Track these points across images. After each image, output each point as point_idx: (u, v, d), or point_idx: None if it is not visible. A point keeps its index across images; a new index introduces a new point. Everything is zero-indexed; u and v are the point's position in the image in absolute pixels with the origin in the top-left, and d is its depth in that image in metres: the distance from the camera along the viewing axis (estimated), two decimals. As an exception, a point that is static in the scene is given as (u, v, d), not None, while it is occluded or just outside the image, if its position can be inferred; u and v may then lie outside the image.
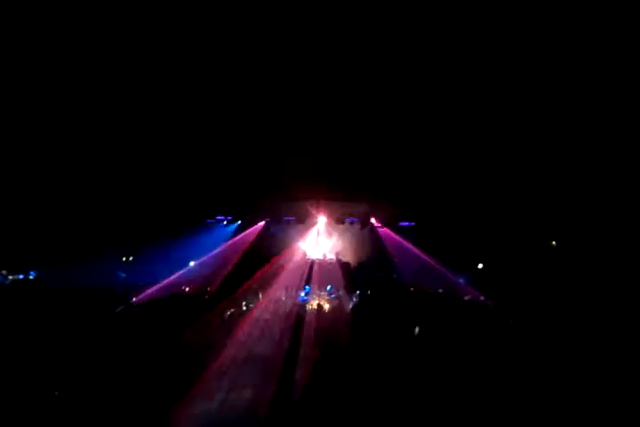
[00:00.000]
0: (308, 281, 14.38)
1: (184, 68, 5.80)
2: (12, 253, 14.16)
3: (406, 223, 16.88)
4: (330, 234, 17.55)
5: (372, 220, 16.94)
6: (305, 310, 11.55)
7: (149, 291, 11.95)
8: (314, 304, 12.09)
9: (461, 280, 14.06)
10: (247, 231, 17.03)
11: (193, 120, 8.04)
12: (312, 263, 17.22)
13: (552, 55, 5.25)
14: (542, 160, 9.48)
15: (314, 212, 16.92)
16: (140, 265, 15.37)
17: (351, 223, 17.36)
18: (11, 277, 14.77)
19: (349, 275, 15.03)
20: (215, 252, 15.90)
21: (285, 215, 17.38)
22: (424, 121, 7.74)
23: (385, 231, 16.82)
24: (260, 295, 12.97)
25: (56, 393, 5.14)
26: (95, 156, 10.12)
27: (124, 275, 15.10)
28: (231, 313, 10.28)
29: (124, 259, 15.89)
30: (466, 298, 12.06)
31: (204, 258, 15.68)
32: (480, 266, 15.62)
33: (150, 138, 9.11)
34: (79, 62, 5.62)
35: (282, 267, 16.45)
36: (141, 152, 9.99)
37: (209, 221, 17.16)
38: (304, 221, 17.14)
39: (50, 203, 13.10)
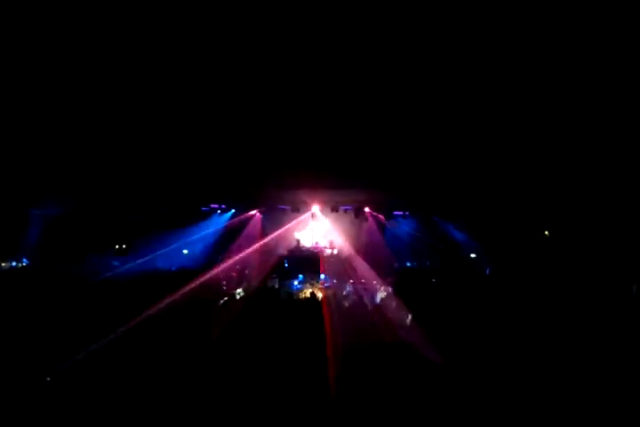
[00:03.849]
0: (301, 270, 14.46)
1: (179, 61, 5.72)
2: (5, 240, 14.12)
3: (400, 212, 16.95)
4: (323, 222, 17.61)
5: (366, 208, 16.97)
6: (298, 299, 11.63)
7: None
8: (307, 293, 12.17)
9: None
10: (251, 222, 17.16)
11: (188, 110, 7.94)
12: (305, 252, 17.34)
13: (552, 54, 5.22)
14: (538, 152, 9.49)
15: (308, 200, 16.92)
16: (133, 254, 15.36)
17: (345, 211, 17.41)
18: (4, 265, 14.76)
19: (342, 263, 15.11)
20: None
21: (279, 204, 17.38)
22: (420, 110, 7.69)
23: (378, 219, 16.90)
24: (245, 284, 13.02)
25: (48, 378, 5.17)
26: (90, 143, 10.03)
27: (117, 263, 15.09)
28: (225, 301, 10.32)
29: (117, 247, 15.88)
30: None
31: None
32: (473, 256, 15.73)
33: (144, 126, 9.01)
34: (77, 57, 5.54)
35: (276, 255, 16.56)
36: (135, 139, 9.90)
37: (203, 209, 17.16)
38: (298, 209, 17.15)
39: (42, 188, 13.02)
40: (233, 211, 17.42)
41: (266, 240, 16.83)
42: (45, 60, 5.74)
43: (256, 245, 16.30)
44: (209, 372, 5.32)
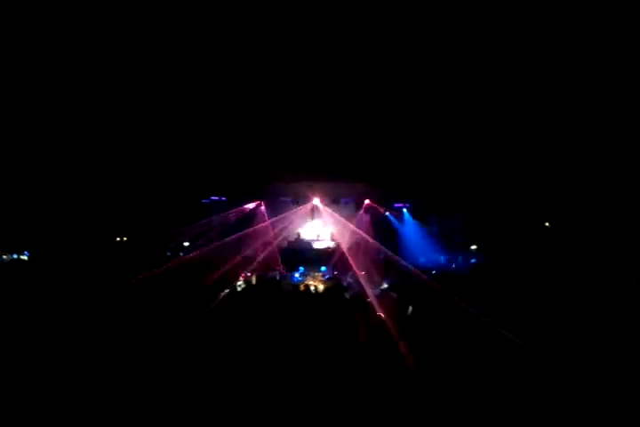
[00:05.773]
0: (302, 262, 14.47)
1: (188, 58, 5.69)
2: (6, 232, 14.15)
3: (401, 204, 16.92)
4: (324, 214, 17.60)
5: (367, 201, 16.95)
6: (298, 291, 11.64)
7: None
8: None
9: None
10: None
11: (189, 103, 7.91)
12: (307, 244, 17.35)
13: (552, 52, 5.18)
14: (538, 143, 9.45)
15: (309, 192, 16.92)
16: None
17: (346, 204, 17.42)
18: (5, 257, 14.76)
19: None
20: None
21: (281, 196, 17.38)
22: (420, 103, 7.65)
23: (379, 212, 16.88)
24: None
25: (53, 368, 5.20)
26: (90, 136, 10.01)
27: None
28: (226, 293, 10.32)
29: (117, 239, 15.89)
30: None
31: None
32: (473, 247, 15.72)
33: (145, 118, 8.98)
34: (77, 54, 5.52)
35: (277, 247, 16.55)
36: (135, 131, 9.88)
37: (204, 201, 17.10)
38: (299, 201, 17.16)
39: (44, 184, 13.02)
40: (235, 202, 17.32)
41: (266, 232, 16.82)
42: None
43: (256, 238, 16.29)
44: (221, 364, 5.35)
